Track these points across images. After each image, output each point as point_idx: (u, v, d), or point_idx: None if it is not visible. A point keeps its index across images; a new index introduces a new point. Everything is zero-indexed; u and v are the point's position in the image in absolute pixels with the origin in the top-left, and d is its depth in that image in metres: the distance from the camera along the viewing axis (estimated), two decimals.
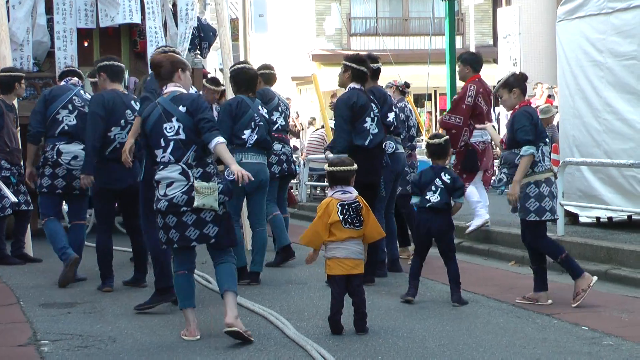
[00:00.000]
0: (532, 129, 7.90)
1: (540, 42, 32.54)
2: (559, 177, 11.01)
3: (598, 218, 11.93)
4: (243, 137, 9.06)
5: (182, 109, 6.86)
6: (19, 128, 10.76)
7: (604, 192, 11.31)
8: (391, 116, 9.61)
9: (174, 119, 6.84)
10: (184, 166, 6.79)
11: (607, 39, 11.20)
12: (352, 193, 7.16)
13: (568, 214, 11.66)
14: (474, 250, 11.67)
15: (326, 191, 7.44)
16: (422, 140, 26.47)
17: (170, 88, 7.01)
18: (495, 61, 32.34)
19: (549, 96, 21.31)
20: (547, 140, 8.09)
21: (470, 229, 11.75)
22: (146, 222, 8.22)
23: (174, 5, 14.00)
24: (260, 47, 34.58)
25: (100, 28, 13.64)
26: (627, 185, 10.96)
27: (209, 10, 17.77)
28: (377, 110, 9.17)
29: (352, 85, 9.14)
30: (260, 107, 9.40)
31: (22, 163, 10.77)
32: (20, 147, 10.82)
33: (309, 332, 7.03)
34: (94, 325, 7.42)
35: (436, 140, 8.57)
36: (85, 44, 14.01)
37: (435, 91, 35.68)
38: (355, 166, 7.29)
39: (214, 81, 12.19)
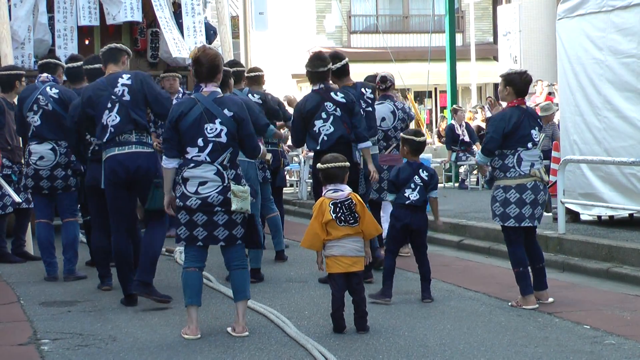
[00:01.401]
0: (494, 137, 7.88)
1: (540, 40, 32.52)
2: (559, 176, 11.02)
3: (599, 216, 11.92)
4: None
5: (227, 112, 6.86)
6: None
7: (603, 190, 11.31)
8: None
9: (217, 121, 6.82)
10: (219, 167, 6.81)
11: (607, 36, 11.19)
12: (345, 191, 7.12)
13: (569, 212, 11.65)
14: (475, 248, 11.66)
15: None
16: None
17: (211, 88, 6.97)
18: (496, 59, 32.42)
19: (550, 93, 21.31)
20: (529, 145, 7.90)
21: None
22: (113, 225, 8.23)
23: (174, 4, 14.02)
24: (260, 45, 34.59)
25: (101, 26, 13.70)
26: (627, 183, 10.95)
27: (210, 9, 17.78)
28: (333, 108, 8.96)
29: (313, 86, 9.15)
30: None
31: (23, 161, 10.77)
32: (21, 146, 10.81)
33: (310, 331, 7.01)
34: (94, 323, 7.41)
35: (422, 138, 8.50)
36: (87, 42, 14.03)
37: (435, 88, 35.69)
38: (348, 163, 7.27)
39: (169, 70, 12.05)
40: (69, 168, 9.54)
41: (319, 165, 7.35)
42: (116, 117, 8.03)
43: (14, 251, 10.84)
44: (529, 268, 8.07)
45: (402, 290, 8.50)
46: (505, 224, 7.96)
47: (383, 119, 10.73)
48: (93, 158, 8.85)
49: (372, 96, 9.82)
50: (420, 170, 8.39)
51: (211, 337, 6.86)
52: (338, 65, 9.39)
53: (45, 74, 9.73)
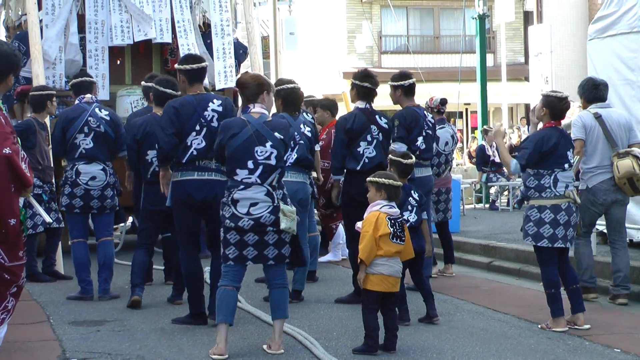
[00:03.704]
0: (532, 154, 7.89)
1: (571, 60, 32.40)
2: None
3: (631, 239, 11.77)
4: None
5: (278, 135, 6.93)
6: (50, 146, 10.80)
7: (636, 212, 11.17)
8: (420, 140, 9.54)
9: (268, 144, 6.88)
10: (269, 188, 6.87)
11: (639, 57, 11.10)
12: (397, 209, 7.15)
13: (600, 234, 11.53)
14: (505, 270, 11.58)
15: None
16: (454, 158, 26.52)
17: (258, 109, 7.01)
18: (527, 79, 32.28)
19: None
20: (566, 166, 7.92)
21: (323, 259, 12.17)
22: (183, 247, 8.17)
23: (204, 24, 14.10)
24: (291, 65, 34.67)
25: (132, 47, 13.77)
26: None
27: (240, 29, 17.87)
28: (377, 133, 9.07)
29: (357, 103, 9.16)
30: (302, 126, 9.41)
31: (53, 181, 10.84)
32: (52, 165, 10.88)
33: (338, 352, 6.98)
34: (122, 343, 7.41)
35: (410, 160, 8.29)
36: (118, 62, 14.11)
37: (466, 109, 35.63)
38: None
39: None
40: (115, 188, 9.69)
41: (384, 180, 7.14)
42: (202, 142, 7.88)
43: (44, 270, 10.88)
44: (565, 290, 8.02)
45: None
46: (538, 244, 7.91)
47: (446, 143, 11.13)
48: (153, 180, 8.86)
49: (432, 120, 9.89)
50: (412, 192, 8.27)
51: (239, 358, 6.85)
52: (410, 81, 9.56)
53: (89, 95, 9.76)
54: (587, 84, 9.52)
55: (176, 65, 8.30)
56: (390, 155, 8.56)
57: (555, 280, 7.91)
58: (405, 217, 8.02)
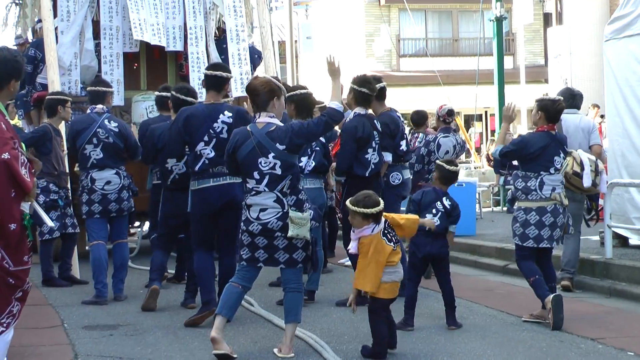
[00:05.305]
0: (513, 151, 8.33)
1: (591, 62, 32.27)
2: (606, 199, 10.85)
3: None
4: (300, 164, 8.92)
5: (280, 146, 6.87)
6: (65, 152, 10.85)
7: None
8: (403, 144, 9.62)
9: (270, 156, 6.86)
10: (278, 194, 6.87)
11: None
12: (381, 218, 7.00)
13: (617, 236, 11.48)
14: (520, 273, 11.36)
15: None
16: (472, 161, 26.45)
17: (264, 119, 6.98)
18: (547, 81, 32.20)
19: (602, 116, 21.09)
20: (552, 170, 8.24)
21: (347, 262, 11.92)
22: (197, 247, 8.34)
23: (219, 29, 14.11)
24: (309, 69, 34.73)
25: (147, 52, 13.80)
26: None
27: (257, 34, 17.89)
28: (378, 138, 9.19)
29: (356, 110, 9.17)
30: None
31: (69, 186, 10.89)
32: (68, 171, 10.92)
33: (348, 356, 6.97)
34: (134, 347, 7.43)
35: (454, 168, 8.34)
36: (135, 66, 14.14)
37: (485, 112, 35.53)
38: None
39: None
40: (130, 189, 9.82)
41: (371, 211, 6.87)
42: (211, 152, 8.04)
43: (60, 275, 10.94)
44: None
45: (442, 314, 8.36)
46: (524, 244, 8.25)
47: (446, 152, 11.25)
48: (174, 187, 8.99)
49: (404, 120, 9.98)
50: (444, 198, 8.22)
51: None
52: (380, 85, 9.45)
53: (100, 106, 9.82)
54: (565, 94, 9.97)
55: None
56: (437, 161, 8.67)
57: (535, 268, 8.24)
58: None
